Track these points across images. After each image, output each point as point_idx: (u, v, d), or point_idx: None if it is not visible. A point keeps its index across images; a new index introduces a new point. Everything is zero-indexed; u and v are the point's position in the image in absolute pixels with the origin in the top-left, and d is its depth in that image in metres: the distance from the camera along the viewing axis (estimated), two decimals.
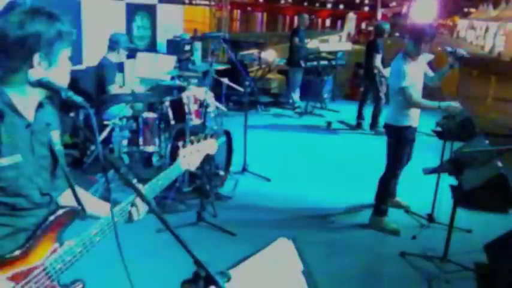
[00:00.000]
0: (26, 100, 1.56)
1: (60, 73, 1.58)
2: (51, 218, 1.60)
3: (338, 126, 8.14)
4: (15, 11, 1.49)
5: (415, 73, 4.08)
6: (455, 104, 4.00)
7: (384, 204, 4.32)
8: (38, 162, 1.60)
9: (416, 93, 4.06)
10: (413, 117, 4.15)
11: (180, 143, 1.98)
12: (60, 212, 1.62)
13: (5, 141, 1.47)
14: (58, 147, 1.68)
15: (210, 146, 2.09)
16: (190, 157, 2.00)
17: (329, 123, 8.10)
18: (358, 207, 4.76)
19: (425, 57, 4.38)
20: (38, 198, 1.60)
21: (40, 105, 1.61)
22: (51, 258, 1.56)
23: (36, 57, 1.50)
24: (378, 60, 7.32)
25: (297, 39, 8.59)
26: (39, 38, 1.49)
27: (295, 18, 9.21)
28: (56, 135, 1.68)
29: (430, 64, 4.52)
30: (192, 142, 2.01)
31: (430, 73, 4.32)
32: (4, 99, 1.51)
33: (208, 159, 4.57)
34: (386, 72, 7.13)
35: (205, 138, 2.07)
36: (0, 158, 1.46)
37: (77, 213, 1.67)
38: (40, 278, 1.53)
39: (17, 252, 1.51)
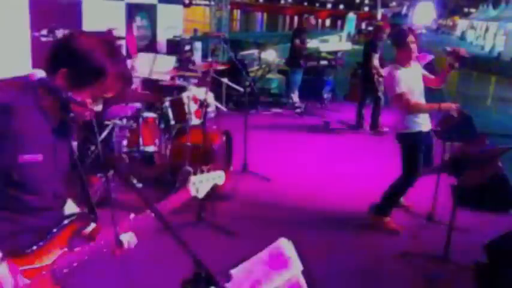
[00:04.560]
0: (55, 104, 1.57)
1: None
2: (65, 222, 1.64)
3: (338, 126, 8.14)
4: (103, 37, 1.57)
5: (410, 78, 4.05)
6: (455, 105, 4.00)
7: (389, 206, 4.30)
8: (57, 166, 1.62)
9: (415, 96, 4.05)
10: (422, 122, 4.09)
11: (191, 170, 2.05)
12: (74, 217, 1.66)
13: (29, 139, 1.50)
14: (76, 155, 1.72)
15: (219, 177, 2.15)
16: (200, 185, 2.05)
17: (326, 123, 8.10)
18: (358, 207, 4.75)
19: (425, 59, 4.38)
20: (51, 200, 1.63)
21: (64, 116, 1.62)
22: (59, 261, 1.58)
23: (63, 72, 1.51)
24: (375, 59, 7.32)
25: (298, 41, 8.59)
26: (81, 57, 1.50)
27: (295, 18, 9.24)
28: (74, 145, 1.73)
29: (430, 64, 4.52)
30: (202, 171, 2.07)
31: (430, 76, 4.30)
32: (38, 101, 1.54)
33: (208, 159, 4.57)
34: (384, 71, 7.14)
35: (214, 169, 2.13)
36: (23, 154, 1.49)
37: (90, 220, 1.69)
38: (46, 279, 1.55)
39: (29, 250, 1.55)
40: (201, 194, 2.08)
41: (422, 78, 4.21)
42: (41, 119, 1.56)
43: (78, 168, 1.72)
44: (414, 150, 4.12)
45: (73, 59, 1.50)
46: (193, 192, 2.03)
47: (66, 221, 1.64)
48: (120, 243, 1.68)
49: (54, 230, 1.61)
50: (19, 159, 1.48)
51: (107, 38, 1.58)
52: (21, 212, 1.56)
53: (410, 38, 4.05)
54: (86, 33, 1.55)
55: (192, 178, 2.03)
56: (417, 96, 4.09)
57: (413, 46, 4.06)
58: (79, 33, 1.54)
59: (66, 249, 1.62)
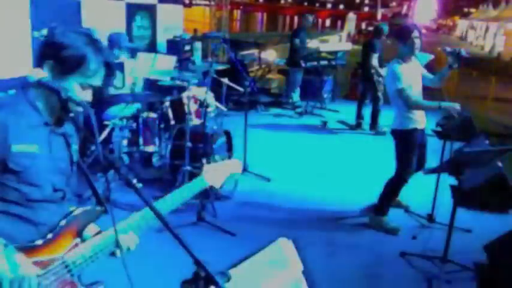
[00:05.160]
0: (46, 102, 1.62)
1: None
2: (74, 213, 1.66)
3: (338, 126, 8.14)
4: (82, 30, 1.65)
5: (410, 74, 4.06)
6: (455, 105, 4.00)
7: (387, 205, 4.30)
8: (54, 162, 1.65)
9: (414, 94, 4.05)
10: (418, 120, 4.10)
11: (204, 160, 2.03)
12: (82, 209, 1.69)
13: (24, 131, 1.55)
14: (76, 158, 1.76)
15: (235, 165, 2.11)
16: (215, 173, 2.01)
17: (324, 123, 8.10)
18: (358, 206, 4.75)
19: (426, 58, 4.37)
20: (50, 192, 1.65)
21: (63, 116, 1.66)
22: (72, 253, 1.60)
23: (48, 64, 1.58)
24: (374, 59, 7.31)
25: (297, 40, 8.58)
26: (62, 46, 1.57)
27: (295, 18, 9.25)
28: (75, 148, 1.76)
29: (430, 64, 4.51)
30: (216, 160, 2.04)
31: (429, 75, 4.30)
32: (28, 97, 1.60)
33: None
34: (383, 71, 7.14)
35: (229, 157, 2.10)
36: (17, 144, 1.53)
37: (99, 213, 1.71)
38: (59, 270, 1.57)
39: (39, 242, 1.56)
40: (217, 184, 2.03)
41: (422, 77, 4.22)
42: (35, 115, 1.60)
43: (81, 165, 1.75)
44: (408, 147, 4.13)
45: (55, 49, 1.57)
46: (209, 182, 1.98)
47: (74, 213, 1.66)
48: (118, 245, 1.68)
49: (63, 223, 1.63)
50: (13, 149, 1.53)
51: (86, 31, 1.65)
52: (20, 203, 1.58)
53: (415, 33, 4.06)
54: (67, 28, 1.62)
55: (206, 167, 1.99)
56: (416, 94, 4.09)
57: (418, 41, 4.06)
58: (59, 28, 1.60)
59: (78, 240, 1.64)
